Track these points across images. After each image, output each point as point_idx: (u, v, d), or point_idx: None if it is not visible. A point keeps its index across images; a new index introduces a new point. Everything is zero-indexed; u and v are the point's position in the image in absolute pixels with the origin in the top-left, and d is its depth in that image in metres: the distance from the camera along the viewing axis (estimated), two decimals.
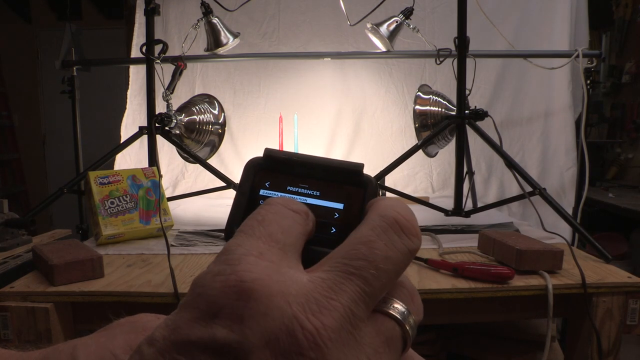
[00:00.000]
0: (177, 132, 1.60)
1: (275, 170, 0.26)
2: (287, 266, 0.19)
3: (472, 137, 1.48)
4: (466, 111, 1.39)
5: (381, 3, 1.56)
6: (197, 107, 1.73)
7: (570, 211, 1.76)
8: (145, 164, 1.57)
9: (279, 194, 0.26)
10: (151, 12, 1.51)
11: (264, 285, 0.17)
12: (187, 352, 0.16)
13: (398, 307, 0.20)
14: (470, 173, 1.64)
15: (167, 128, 1.51)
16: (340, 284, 0.18)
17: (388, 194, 1.67)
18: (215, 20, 1.61)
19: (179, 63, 1.59)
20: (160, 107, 1.60)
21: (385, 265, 0.19)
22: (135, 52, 1.97)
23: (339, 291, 0.18)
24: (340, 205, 0.25)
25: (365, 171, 0.26)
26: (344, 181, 0.26)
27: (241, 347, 0.16)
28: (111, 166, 1.80)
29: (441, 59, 1.55)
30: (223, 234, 0.28)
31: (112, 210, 1.21)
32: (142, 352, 0.17)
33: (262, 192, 0.26)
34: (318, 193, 0.26)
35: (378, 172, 1.42)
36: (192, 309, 0.17)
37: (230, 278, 0.17)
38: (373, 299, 0.19)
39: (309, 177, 0.26)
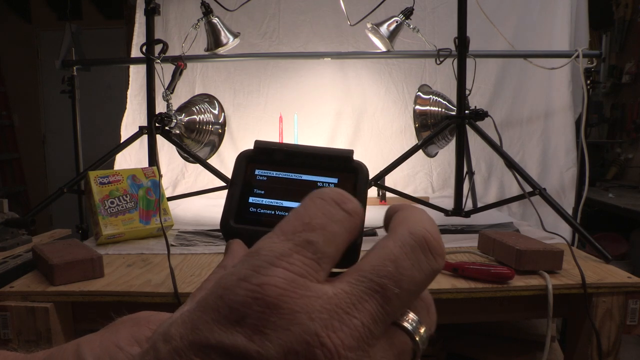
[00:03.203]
0: (177, 132, 1.60)
1: (266, 161, 0.26)
2: (317, 280, 0.18)
3: (472, 137, 1.48)
4: (466, 111, 1.39)
5: (381, 3, 1.56)
6: (197, 107, 1.73)
7: (570, 211, 1.76)
8: (145, 163, 1.57)
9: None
10: (151, 12, 1.51)
11: (289, 302, 0.17)
12: (205, 355, 0.16)
13: (412, 321, 0.20)
14: (470, 173, 1.64)
15: (167, 128, 1.51)
16: (363, 300, 0.18)
17: (388, 194, 1.68)
18: (215, 20, 1.61)
19: (179, 63, 1.59)
20: (160, 107, 1.60)
21: (409, 285, 0.19)
22: (135, 52, 1.98)
23: (361, 309, 0.18)
24: None
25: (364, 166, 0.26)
26: (335, 168, 0.26)
27: (260, 357, 0.16)
28: (111, 166, 1.80)
29: (441, 59, 1.55)
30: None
31: (112, 210, 1.21)
32: (158, 349, 0.17)
33: (254, 183, 0.26)
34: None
35: (378, 172, 1.42)
36: (213, 311, 0.17)
37: (256, 290, 0.17)
38: (392, 317, 0.19)
39: (300, 166, 0.26)
